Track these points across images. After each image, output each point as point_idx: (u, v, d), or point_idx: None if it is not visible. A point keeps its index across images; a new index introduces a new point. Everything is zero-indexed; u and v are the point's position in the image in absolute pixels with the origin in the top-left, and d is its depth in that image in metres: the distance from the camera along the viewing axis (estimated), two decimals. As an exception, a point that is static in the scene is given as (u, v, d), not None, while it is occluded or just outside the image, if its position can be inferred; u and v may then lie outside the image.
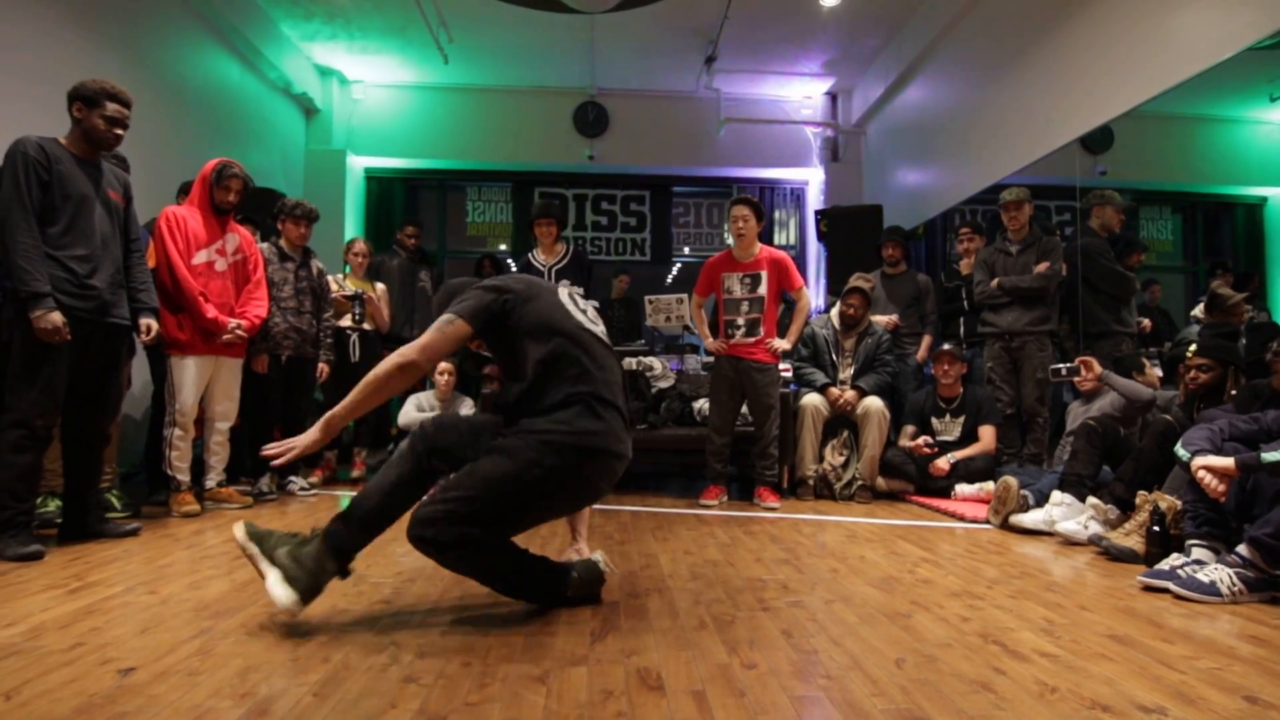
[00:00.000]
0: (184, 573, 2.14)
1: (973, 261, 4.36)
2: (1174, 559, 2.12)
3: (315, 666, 1.40)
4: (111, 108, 2.52)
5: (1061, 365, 3.49)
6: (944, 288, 4.69)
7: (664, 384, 4.49)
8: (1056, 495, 2.85)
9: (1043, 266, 3.91)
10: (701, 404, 4.28)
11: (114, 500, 3.00)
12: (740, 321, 3.73)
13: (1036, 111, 4.34)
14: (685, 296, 5.08)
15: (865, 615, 1.78)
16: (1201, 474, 2.08)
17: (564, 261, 4.11)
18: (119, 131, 2.56)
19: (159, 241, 3.08)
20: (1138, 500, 2.49)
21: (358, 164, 6.81)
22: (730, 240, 3.90)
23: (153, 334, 2.78)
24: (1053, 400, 4.11)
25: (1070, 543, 2.67)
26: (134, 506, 3.08)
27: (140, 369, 3.51)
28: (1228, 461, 2.05)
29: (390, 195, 7.03)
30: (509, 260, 6.74)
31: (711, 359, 3.92)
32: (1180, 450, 2.21)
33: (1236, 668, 1.45)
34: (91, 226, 2.50)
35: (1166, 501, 2.36)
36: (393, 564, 2.27)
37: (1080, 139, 4.10)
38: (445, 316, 1.74)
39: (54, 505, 2.81)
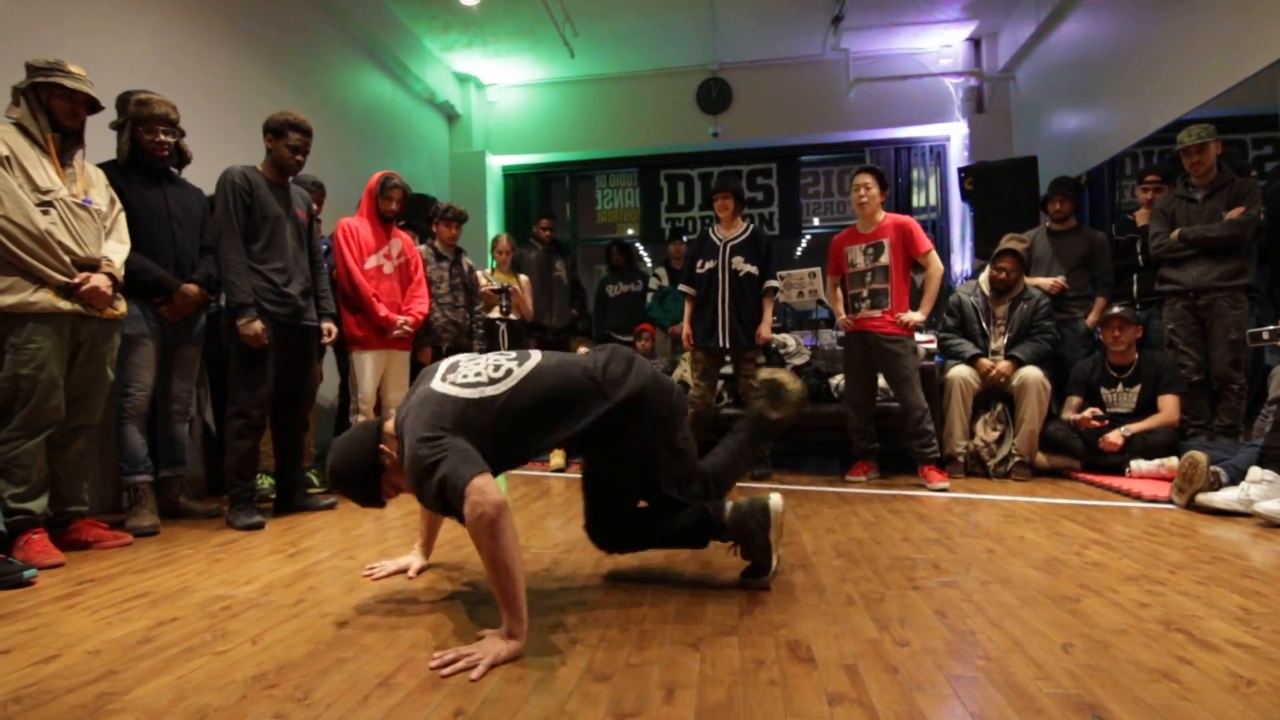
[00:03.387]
0: (374, 542, 2.44)
1: (1149, 212, 3.90)
2: None
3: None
4: (294, 137, 2.88)
5: (1263, 329, 3.06)
6: (1115, 241, 4.24)
7: (798, 360, 4.44)
8: (1255, 472, 2.54)
9: (1236, 212, 3.43)
10: (838, 380, 4.19)
11: (313, 478, 3.45)
12: (865, 294, 3.62)
13: (1226, 32, 3.78)
14: (818, 270, 4.95)
15: (1026, 598, 1.71)
16: None
17: (743, 237, 3.87)
18: (300, 158, 2.91)
19: (338, 250, 3.46)
20: (1363, 477, 2.17)
21: (496, 163, 7.21)
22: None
23: (333, 336, 3.15)
24: (1252, 364, 3.61)
25: (1271, 525, 2.38)
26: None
27: (328, 368, 3.99)
28: None
29: (526, 190, 7.42)
30: (638, 244, 6.85)
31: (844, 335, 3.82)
32: None
33: None
34: (285, 243, 2.88)
35: (1402, 479, 2.04)
36: (548, 537, 2.45)
37: (1284, 59, 3.53)
38: (471, 484, 1.40)
39: (267, 483, 3.29)
